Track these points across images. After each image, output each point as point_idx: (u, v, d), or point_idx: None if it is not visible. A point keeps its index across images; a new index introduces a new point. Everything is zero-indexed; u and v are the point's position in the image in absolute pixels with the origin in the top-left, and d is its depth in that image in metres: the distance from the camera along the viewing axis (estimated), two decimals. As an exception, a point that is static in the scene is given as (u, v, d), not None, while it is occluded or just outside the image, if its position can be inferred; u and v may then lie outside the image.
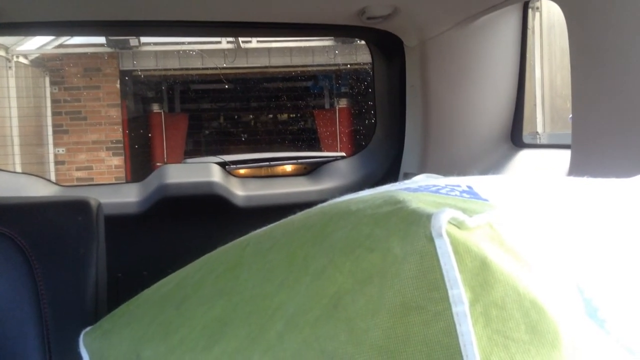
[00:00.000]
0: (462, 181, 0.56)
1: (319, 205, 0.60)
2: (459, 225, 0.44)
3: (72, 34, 5.32)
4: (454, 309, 0.40)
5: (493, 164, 1.64)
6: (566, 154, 1.26)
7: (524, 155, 1.62)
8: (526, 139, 1.74)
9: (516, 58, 1.66)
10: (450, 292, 0.41)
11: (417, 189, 0.54)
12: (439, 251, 0.42)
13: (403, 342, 0.41)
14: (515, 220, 0.49)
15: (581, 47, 1.13)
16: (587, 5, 1.09)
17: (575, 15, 1.13)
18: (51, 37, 7.51)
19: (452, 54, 1.65)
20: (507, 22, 1.63)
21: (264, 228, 0.63)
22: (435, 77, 1.69)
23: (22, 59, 7.66)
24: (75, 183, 7.74)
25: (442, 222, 0.43)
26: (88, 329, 0.72)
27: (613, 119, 1.06)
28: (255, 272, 0.56)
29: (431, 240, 0.43)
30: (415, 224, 0.44)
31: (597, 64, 1.08)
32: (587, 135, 1.15)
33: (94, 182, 7.58)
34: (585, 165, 1.14)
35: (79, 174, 8.00)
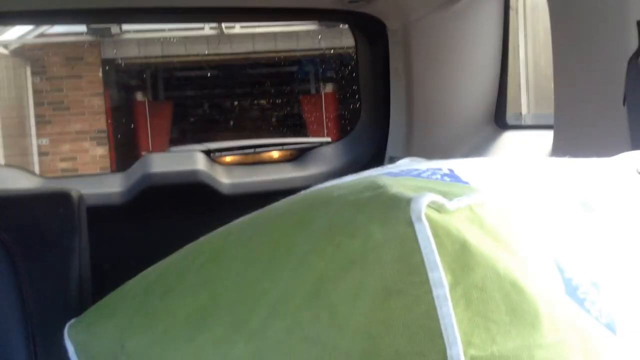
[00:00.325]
0: (444, 164, 0.56)
1: (302, 192, 0.60)
2: (438, 208, 0.44)
3: (53, 22, 5.24)
4: (435, 292, 0.41)
5: (477, 147, 1.65)
6: (549, 135, 1.26)
7: (508, 136, 1.63)
8: (511, 120, 1.75)
9: (499, 39, 1.66)
10: (430, 276, 0.41)
11: (399, 174, 0.54)
12: (419, 235, 0.42)
13: (385, 326, 0.41)
14: (495, 203, 0.49)
15: (562, 27, 1.13)
16: (568, -15, 1.09)
17: (556, -4, 1.13)
18: (31, 27, 7.38)
19: (435, 37, 1.65)
20: (489, 3, 1.63)
21: (247, 216, 0.63)
22: (418, 60, 1.68)
23: (2, 49, 7.54)
24: (59, 174, 7.67)
25: (422, 206, 0.43)
26: (72, 321, 0.72)
27: (594, 98, 1.07)
28: (238, 261, 0.56)
29: (411, 224, 0.43)
30: (395, 209, 0.44)
31: (578, 45, 1.09)
32: (569, 115, 1.15)
33: (78, 173, 7.51)
34: (568, 145, 1.15)
35: (64, 164, 7.93)
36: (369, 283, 0.43)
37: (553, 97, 1.19)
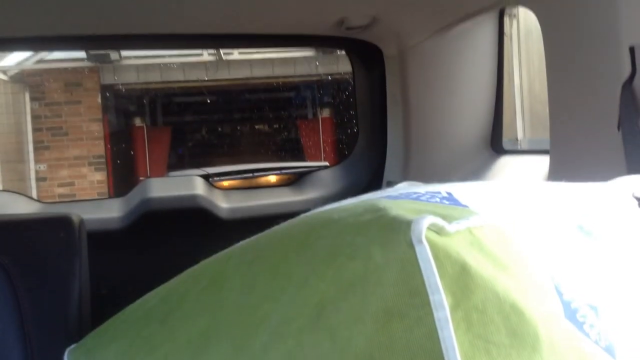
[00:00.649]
0: (442, 188, 0.57)
1: (302, 215, 0.60)
2: (438, 231, 0.44)
3: (53, 48, 5.29)
4: (436, 315, 0.41)
5: (474, 171, 1.66)
6: (545, 159, 1.27)
7: (504, 161, 1.64)
8: (506, 145, 1.77)
9: (494, 65, 1.69)
10: (431, 298, 0.41)
11: (398, 197, 0.55)
12: (420, 257, 0.42)
13: (386, 348, 0.42)
14: (494, 226, 0.49)
15: (556, 53, 1.15)
16: (561, 11, 1.11)
17: (549, 22, 1.15)
18: (31, 52, 7.44)
19: (431, 62, 1.67)
20: (484, 30, 1.65)
21: (247, 240, 0.63)
22: (415, 86, 1.70)
23: (1, 75, 7.58)
24: (57, 199, 7.65)
25: (422, 229, 0.43)
26: (72, 346, 0.72)
27: (589, 123, 1.08)
28: (239, 284, 0.56)
29: (411, 246, 0.43)
30: (395, 231, 0.45)
31: (572, 70, 1.10)
32: (565, 141, 1.16)
33: (76, 198, 7.50)
34: (564, 169, 1.16)
35: (61, 190, 7.91)
36: (370, 305, 0.43)
37: (548, 122, 1.20)
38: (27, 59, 7.67)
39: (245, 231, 0.68)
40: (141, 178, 8.05)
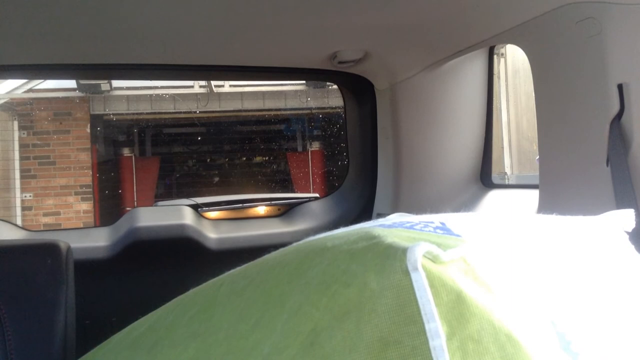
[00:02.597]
0: (436, 218, 0.57)
1: (294, 244, 0.60)
2: (433, 259, 0.44)
3: (44, 77, 5.29)
4: (431, 343, 0.40)
5: (464, 204, 1.66)
6: (534, 194, 1.28)
7: (494, 195, 1.65)
8: (495, 179, 1.78)
9: (483, 101, 1.71)
10: (427, 326, 0.41)
11: (392, 226, 0.55)
12: (415, 285, 0.42)
13: (381, 378, 0.41)
14: (488, 255, 0.49)
15: (546, 90, 1.17)
16: (551, 49, 1.13)
17: (539, 60, 1.18)
18: (21, 82, 7.45)
19: (421, 97, 1.69)
20: (473, 67, 1.68)
21: (239, 268, 0.63)
22: (405, 120, 1.72)
23: (-11, 104, 7.57)
24: (42, 229, 7.55)
25: (418, 256, 0.43)
26: (55, 376, 0.70)
27: (578, 158, 1.09)
28: (230, 312, 0.56)
29: (407, 273, 0.43)
30: (391, 258, 0.44)
31: (562, 107, 1.12)
32: (554, 176, 1.18)
33: (63, 227, 7.41)
34: (553, 204, 1.16)
35: (46, 219, 7.83)
36: (365, 333, 0.42)
37: (535, 158, 1.22)
38: (16, 88, 7.67)
39: (234, 262, 0.68)
40: (128, 208, 7.98)
